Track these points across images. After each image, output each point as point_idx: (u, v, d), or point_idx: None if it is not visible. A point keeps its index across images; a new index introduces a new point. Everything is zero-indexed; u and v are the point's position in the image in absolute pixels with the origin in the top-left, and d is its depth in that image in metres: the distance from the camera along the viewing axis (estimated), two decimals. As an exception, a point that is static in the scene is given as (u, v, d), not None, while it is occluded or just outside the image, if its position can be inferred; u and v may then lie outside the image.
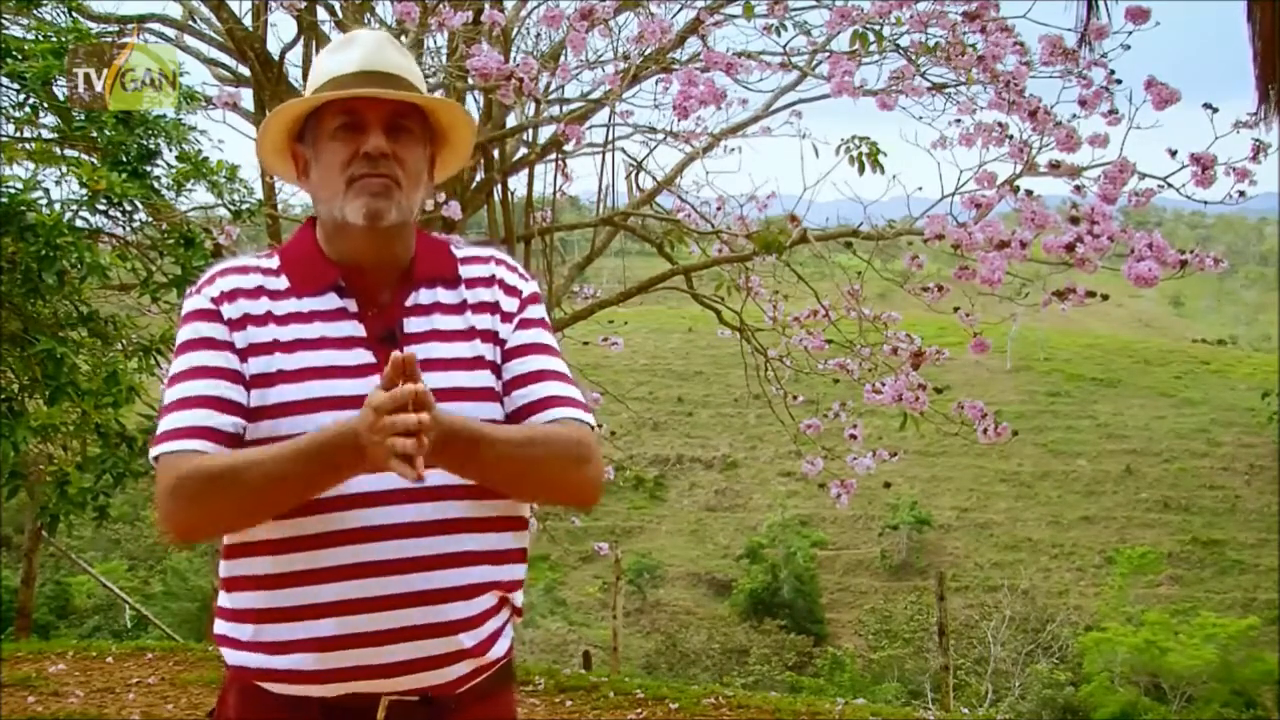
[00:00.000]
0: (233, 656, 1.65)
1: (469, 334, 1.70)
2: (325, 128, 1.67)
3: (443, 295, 1.71)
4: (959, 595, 30.06)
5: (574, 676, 7.06)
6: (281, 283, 1.68)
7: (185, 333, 1.66)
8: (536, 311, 1.77)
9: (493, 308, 1.73)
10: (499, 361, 1.70)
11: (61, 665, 6.80)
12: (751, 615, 32.12)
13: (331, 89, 1.67)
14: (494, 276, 1.76)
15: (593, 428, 1.69)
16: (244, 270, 1.70)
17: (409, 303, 1.69)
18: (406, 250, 1.71)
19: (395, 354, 1.45)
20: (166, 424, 1.60)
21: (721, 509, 43.27)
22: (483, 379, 1.68)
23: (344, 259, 1.69)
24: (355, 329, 1.65)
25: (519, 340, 1.72)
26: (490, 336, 1.71)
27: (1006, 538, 40.66)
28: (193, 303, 1.68)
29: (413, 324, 1.68)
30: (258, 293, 1.67)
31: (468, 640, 1.63)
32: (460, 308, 1.72)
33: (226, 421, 1.58)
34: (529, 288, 1.78)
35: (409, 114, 1.69)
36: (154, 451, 1.59)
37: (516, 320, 1.74)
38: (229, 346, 1.63)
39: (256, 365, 1.62)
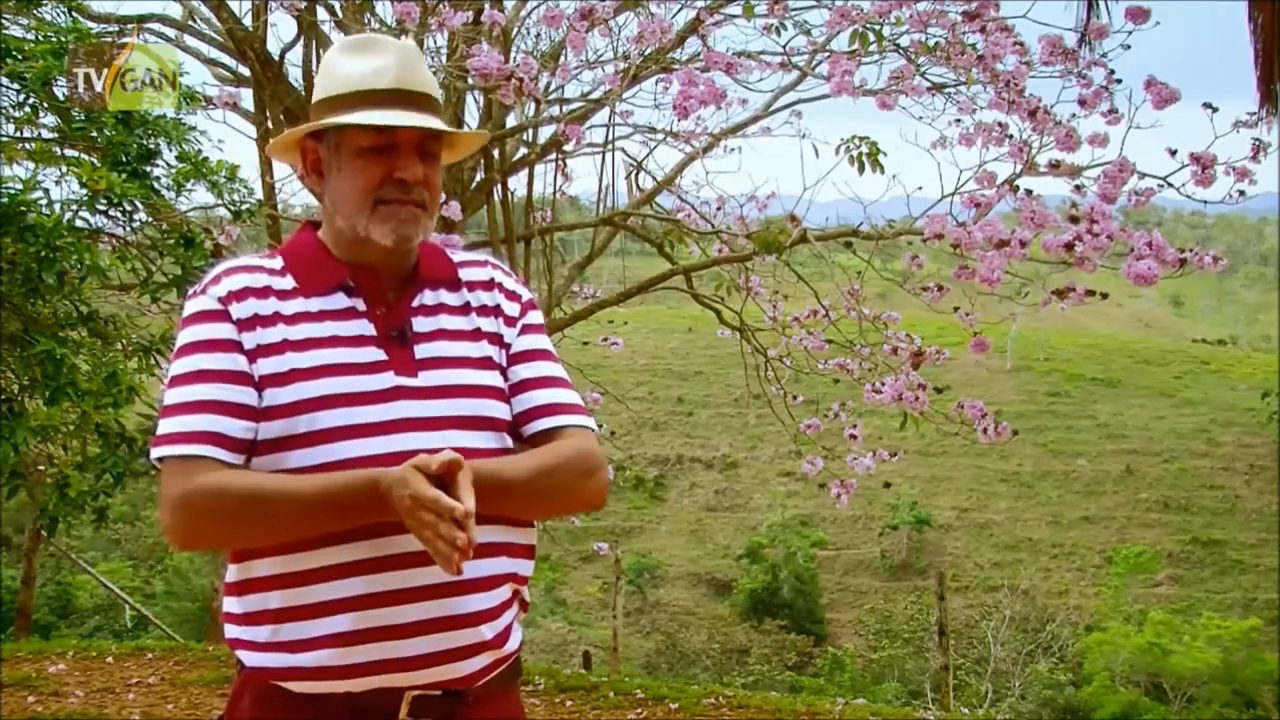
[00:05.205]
0: (251, 658, 1.64)
1: (475, 335, 1.74)
2: (353, 142, 1.67)
3: (446, 297, 1.75)
4: (959, 595, 30.06)
5: (574, 676, 7.05)
6: (288, 282, 1.69)
7: (189, 334, 1.64)
8: (535, 318, 1.83)
9: (495, 311, 1.78)
10: (504, 365, 1.75)
11: (61, 665, 6.80)
12: (751, 615, 32.11)
13: (365, 104, 1.66)
14: (493, 280, 1.80)
15: (594, 431, 1.74)
16: (251, 270, 1.70)
17: (415, 303, 1.72)
18: (413, 253, 1.75)
19: (448, 455, 1.50)
20: (171, 426, 1.58)
21: (721, 509, 43.24)
22: (492, 379, 1.72)
23: (356, 263, 1.71)
24: (365, 327, 1.67)
25: (522, 345, 1.77)
26: (496, 339, 1.76)
27: (1006, 538, 40.63)
28: (197, 303, 1.66)
29: (420, 323, 1.71)
30: (265, 292, 1.67)
31: (488, 632, 1.65)
32: (465, 309, 1.76)
33: (236, 427, 1.58)
34: (526, 293, 1.84)
35: (437, 138, 1.72)
36: (158, 453, 1.58)
37: (520, 325, 1.78)
38: (237, 347, 1.62)
39: (267, 366, 1.62)
